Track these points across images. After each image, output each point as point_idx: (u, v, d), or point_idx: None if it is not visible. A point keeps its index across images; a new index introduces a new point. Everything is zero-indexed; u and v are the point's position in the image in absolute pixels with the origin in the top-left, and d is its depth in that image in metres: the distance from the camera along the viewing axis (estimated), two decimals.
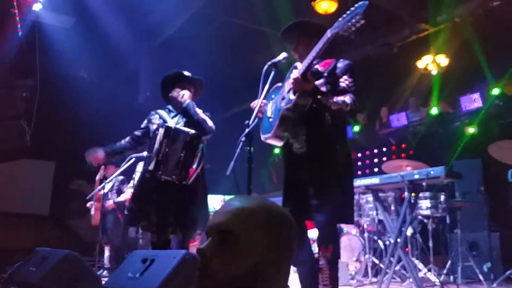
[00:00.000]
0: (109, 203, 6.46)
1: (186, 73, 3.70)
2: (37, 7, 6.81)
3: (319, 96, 2.49)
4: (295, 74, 2.51)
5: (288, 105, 2.56)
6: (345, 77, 2.60)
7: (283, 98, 2.66)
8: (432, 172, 3.87)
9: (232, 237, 0.95)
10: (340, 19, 2.33)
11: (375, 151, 8.81)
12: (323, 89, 2.58)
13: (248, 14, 6.98)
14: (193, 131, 3.40)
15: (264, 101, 2.84)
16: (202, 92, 3.82)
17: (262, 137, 2.81)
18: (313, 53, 2.44)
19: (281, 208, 1.05)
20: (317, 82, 2.58)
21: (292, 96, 2.55)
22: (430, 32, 7.17)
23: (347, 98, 2.51)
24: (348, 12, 2.29)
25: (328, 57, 2.69)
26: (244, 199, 1.03)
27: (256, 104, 2.76)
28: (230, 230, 0.96)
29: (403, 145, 8.26)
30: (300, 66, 2.55)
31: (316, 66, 2.68)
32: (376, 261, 5.56)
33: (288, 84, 2.60)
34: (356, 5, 2.26)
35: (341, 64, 2.65)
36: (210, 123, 3.57)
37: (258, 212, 0.99)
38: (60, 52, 7.67)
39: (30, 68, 7.39)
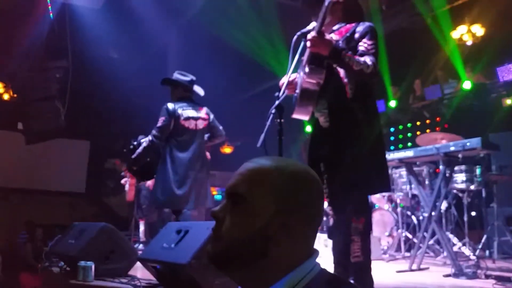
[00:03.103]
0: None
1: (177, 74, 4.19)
2: None
3: (343, 52, 2.38)
4: (311, 34, 2.40)
5: (304, 77, 2.48)
6: (364, 40, 2.49)
7: (303, 72, 2.57)
8: (468, 144, 3.77)
9: (240, 198, 0.94)
10: None
11: (408, 125, 8.62)
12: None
13: None
14: None
15: (296, 74, 2.75)
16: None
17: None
18: (320, 18, 2.37)
19: (302, 168, 0.97)
20: None
21: (307, 69, 2.46)
22: (465, 1, 6.88)
23: (368, 60, 2.40)
24: None
25: (350, 22, 2.59)
26: (261, 159, 0.98)
27: (284, 80, 2.64)
28: (237, 191, 0.94)
29: (437, 119, 8.03)
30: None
31: (332, 35, 2.57)
32: (410, 236, 5.48)
33: (305, 56, 2.51)
34: None
35: (360, 27, 2.54)
36: None
37: (269, 173, 0.95)
38: (90, 33, 7.78)
39: (61, 49, 7.51)
